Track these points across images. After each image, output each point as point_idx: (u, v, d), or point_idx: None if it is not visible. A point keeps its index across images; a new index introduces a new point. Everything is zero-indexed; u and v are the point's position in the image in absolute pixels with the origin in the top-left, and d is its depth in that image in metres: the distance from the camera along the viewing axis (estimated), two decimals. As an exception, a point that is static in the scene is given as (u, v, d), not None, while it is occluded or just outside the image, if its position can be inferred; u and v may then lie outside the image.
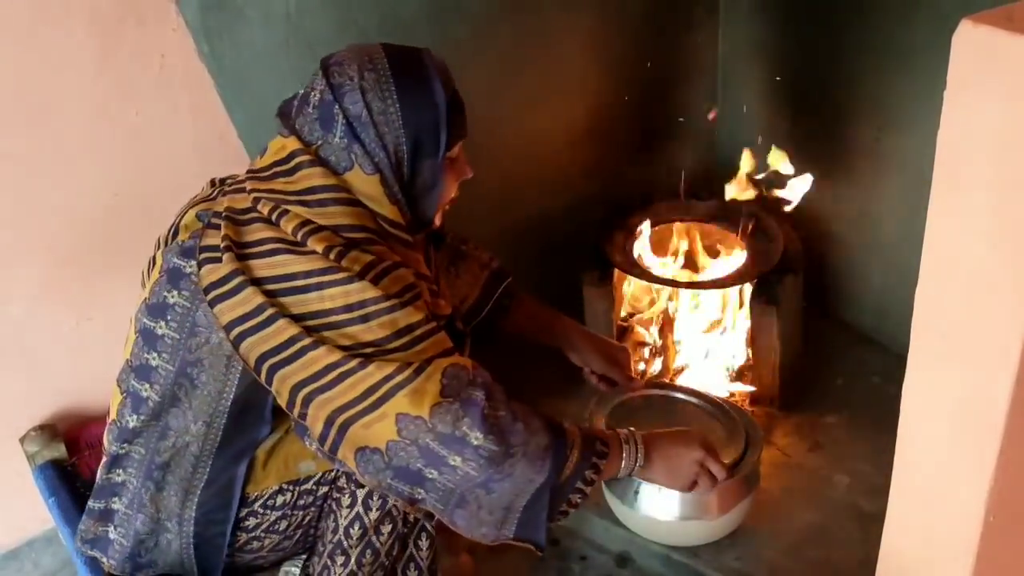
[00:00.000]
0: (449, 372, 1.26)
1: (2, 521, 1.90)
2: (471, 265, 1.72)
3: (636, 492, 1.69)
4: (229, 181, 1.43)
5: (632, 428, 1.46)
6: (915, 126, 1.89)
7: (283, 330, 1.23)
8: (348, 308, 1.23)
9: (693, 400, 1.78)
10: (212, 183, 1.47)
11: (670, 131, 2.41)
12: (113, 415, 1.42)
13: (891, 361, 2.12)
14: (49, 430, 1.83)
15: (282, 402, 1.28)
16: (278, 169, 1.32)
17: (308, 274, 1.24)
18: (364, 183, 1.31)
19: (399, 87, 1.29)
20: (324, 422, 1.26)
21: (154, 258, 1.40)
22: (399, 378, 1.23)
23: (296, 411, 1.27)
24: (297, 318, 1.24)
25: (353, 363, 1.22)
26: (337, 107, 1.29)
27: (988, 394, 1.05)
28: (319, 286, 1.23)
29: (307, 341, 1.23)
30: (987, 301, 1.01)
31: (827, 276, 2.27)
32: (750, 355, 2.03)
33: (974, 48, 0.90)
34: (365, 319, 1.24)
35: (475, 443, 1.24)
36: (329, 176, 1.30)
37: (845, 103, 2.06)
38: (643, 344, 2.12)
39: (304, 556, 1.52)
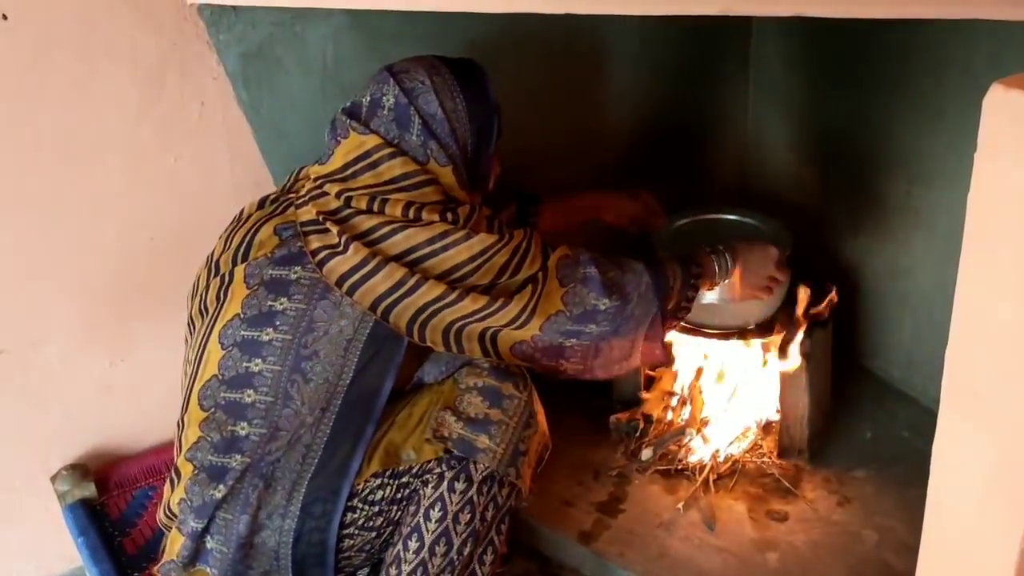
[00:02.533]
0: (560, 264, 1.52)
1: (31, 559, 1.91)
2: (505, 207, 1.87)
3: None
4: (285, 198, 1.54)
5: (717, 245, 1.68)
6: (946, 180, 1.89)
7: (430, 291, 1.42)
8: (472, 258, 1.44)
9: (730, 217, 2.06)
10: (261, 203, 1.57)
11: (699, 182, 2.42)
12: (198, 432, 1.46)
13: (921, 414, 2.11)
14: (80, 469, 1.85)
15: (439, 348, 1.48)
16: (358, 167, 1.46)
17: (431, 240, 1.42)
18: (440, 174, 1.48)
19: (463, 88, 1.48)
20: (478, 342, 1.49)
21: (225, 276, 1.48)
22: (534, 298, 1.48)
23: (454, 348, 1.49)
24: (439, 277, 1.42)
25: (497, 304, 1.45)
26: (412, 108, 1.46)
27: (1021, 456, 1.05)
28: (444, 248, 1.43)
29: (453, 295, 1.42)
30: (1019, 362, 1.01)
31: (857, 328, 2.26)
32: (779, 407, 2.01)
33: (1005, 111, 0.91)
34: (489, 259, 1.45)
35: (603, 307, 1.51)
36: (413, 163, 1.46)
37: (876, 157, 2.07)
38: (671, 393, 2.12)
39: None
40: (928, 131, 1.91)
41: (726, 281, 1.70)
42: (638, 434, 2.07)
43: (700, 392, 2.08)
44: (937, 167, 1.92)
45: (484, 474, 1.48)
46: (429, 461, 1.49)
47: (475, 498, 1.48)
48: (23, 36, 1.55)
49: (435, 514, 1.47)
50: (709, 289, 1.70)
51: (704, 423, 2.05)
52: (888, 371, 2.25)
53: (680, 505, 1.93)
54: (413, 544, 1.48)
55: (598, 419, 2.13)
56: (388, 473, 1.49)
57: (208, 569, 1.49)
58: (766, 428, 2.07)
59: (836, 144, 2.18)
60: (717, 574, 1.78)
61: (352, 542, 1.50)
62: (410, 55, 1.88)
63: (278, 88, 1.79)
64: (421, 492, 1.49)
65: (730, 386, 2.07)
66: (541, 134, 2.15)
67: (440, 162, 1.48)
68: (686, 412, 2.09)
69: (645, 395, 2.11)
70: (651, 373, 2.16)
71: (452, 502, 1.47)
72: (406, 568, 1.48)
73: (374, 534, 1.51)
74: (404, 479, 1.50)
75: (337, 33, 1.80)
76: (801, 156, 2.28)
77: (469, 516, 1.48)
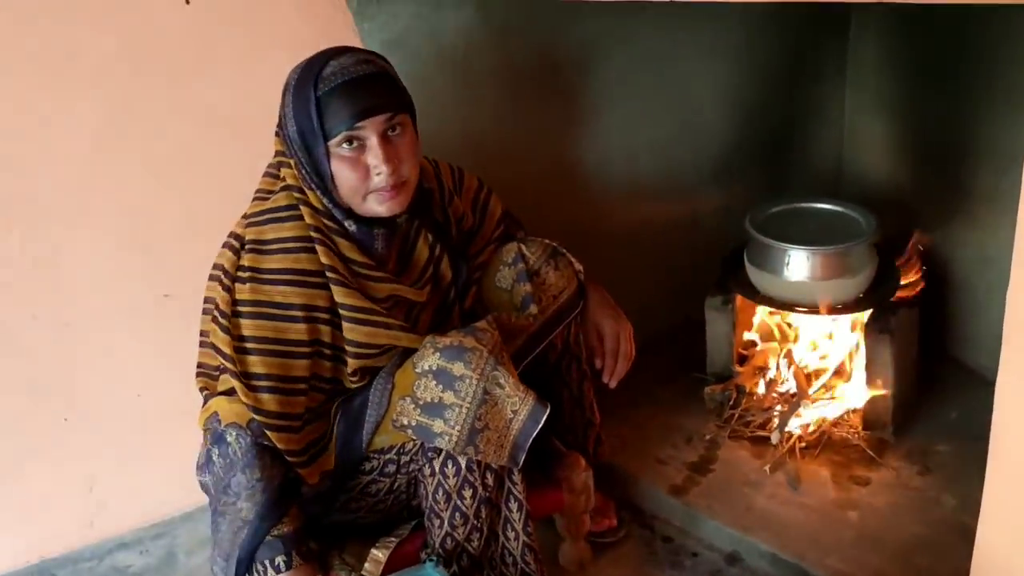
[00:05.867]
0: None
1: (184, 484, 2.13)
2: (568, 265, 1.81)
3: (787, 263, 2.05)
4: None
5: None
6: (1034, 171, 2.00)
7: None
8: None
9: (823, 206, 2.20)
10: None
11: (796, 177, 2.56)
12: None
13: (1007, 400, 2.19)
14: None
15: None
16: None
17: None
18: (289, 174, 1.54)
19: (295, 82, 1.52)
20: None
21: None
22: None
23: None
24: None
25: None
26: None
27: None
28: None
29: None
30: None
31: (947, 317, 2.36)
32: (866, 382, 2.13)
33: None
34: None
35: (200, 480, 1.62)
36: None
37: (966, 150, 2.18)
38: (763, 369, 2.25)
39: (392, 541, 1.69)
40: (1014, 123, 2.02)
41: None
42: (731, 404, 2.21)
43: (804, 368, 2.22)
44: (1024, 158, 2.03)
45: None
46: (409, 446, 1.60)
47: (468, 475, 1.58)
48: (202, 18, 1.81)
49: (440, 496, 1.60)
50: None
51: (795, 396, 2.18)
52: (976, 359, 2.33)
53: (767, 467, 2.07)
54: (435, 521, 1.61)
55: (692, 391, 2.29)
56: (373, 451, 1.63)
57: None
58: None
59: (928, 139, 2.30)
60: (799, 526, 1.91)
61: (358, 504, 1.66)
62: (529, 49, 2.11)
63: (415, 76, 1.99)
64: (424, 480, 1.61)
65: (823, 362, 2.19)
66: (646, 129, 2.33)
67: (287, 155, 1.54)
68: (781, 387, 2.22)
69: (739, 369, 2.25)
70: (744, 352, 2.30)
71: (450, 485, 1.58)
72: (436, 539, 1.62)
73: (373, 499, 1.66)
74: (388, 455, 1.62)
75: (468, 26, 2.02)
76: (894, 151, 2.40)
77: (471, 491, 1.59)
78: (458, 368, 1.52)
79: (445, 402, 1.52)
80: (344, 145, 1.48)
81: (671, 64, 2.29)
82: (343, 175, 1.50)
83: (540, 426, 1.57)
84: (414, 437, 1.56)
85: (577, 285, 1.81)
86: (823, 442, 2.12)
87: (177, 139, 1.89)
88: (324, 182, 1.52)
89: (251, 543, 1.50)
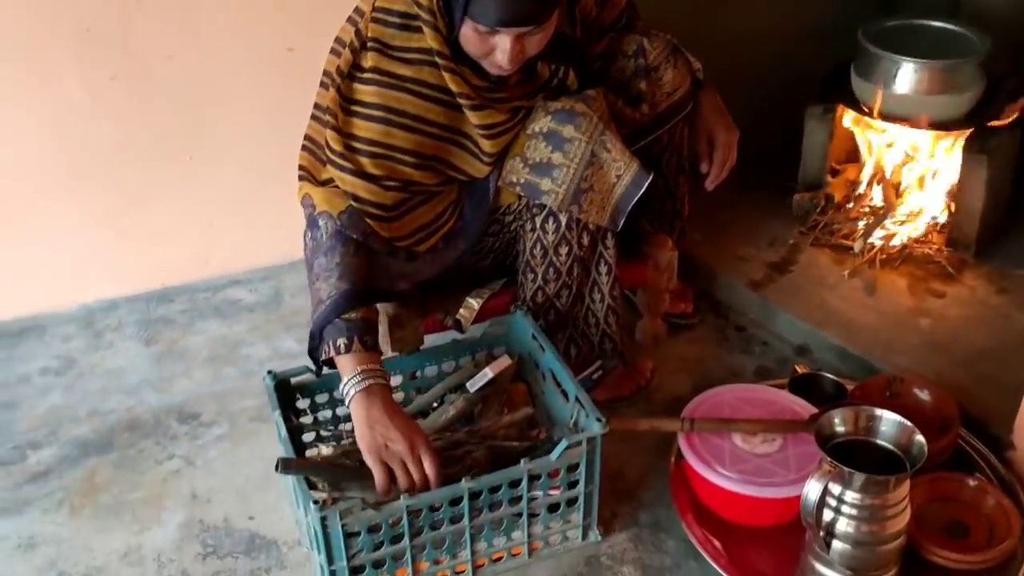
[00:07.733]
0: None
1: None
2: (686, 63, 1.83)
3: (894, 75, 2.07)
4: None
5: (375, 372, 1.50)
6: None
7: None
8: None
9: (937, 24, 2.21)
10: None
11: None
12: None
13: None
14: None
15: None
16: None
17: None
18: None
19: None
20: None
21: None
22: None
23: None
24: None
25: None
26: None
27: None
28: None
29: None
30: None
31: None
32: (953, 205, 2.17)
33: None
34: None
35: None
36: None
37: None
38: (855, 183, 2.29)
39: (486, 292, 1.80)
40: None
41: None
42: (819, 211, 2.27)
43: (896, 182, 2.25)
44: None
45: None
46: (514, 205, 1.69)
47: (567, 233, 1.68)
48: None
49: (538, 252, 1.71)
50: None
51: (883, 210, 2.22)
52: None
53: (846, 273, 2.14)
54: (529, 276, 1.73)
55: (780, 198, 2.34)
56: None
57: None
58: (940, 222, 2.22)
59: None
60: (870, 327, 1.99)
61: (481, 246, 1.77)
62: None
63: None
64: (523, 236, 1.72)
65: (916, 177, 2.22)
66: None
67: None
68: (870, 200, 2.27)
69: (830, 179, 2.29)
70: (837, 166, 2.33)
71: (549, 241, 1.69)
72: (528, 292, 1.75)
73: (477, 257, 1.77)
74: (495, 215, 1.71)
75: None
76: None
77: (567, 248, 1.70)
78: (568, 131, 1.60)
79: (554, 162, 1.61)
80: (480, 26, 1.45)
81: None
82: (469, 41, 1.49)
83: (642, 192, 1.65)
84: (522, 194, 1.66)
85: (691, 84, 1.83)
86: (904, 256, 2.18)
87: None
88: (453, 23, 1.49)
89: (321, 322, 1.51)
